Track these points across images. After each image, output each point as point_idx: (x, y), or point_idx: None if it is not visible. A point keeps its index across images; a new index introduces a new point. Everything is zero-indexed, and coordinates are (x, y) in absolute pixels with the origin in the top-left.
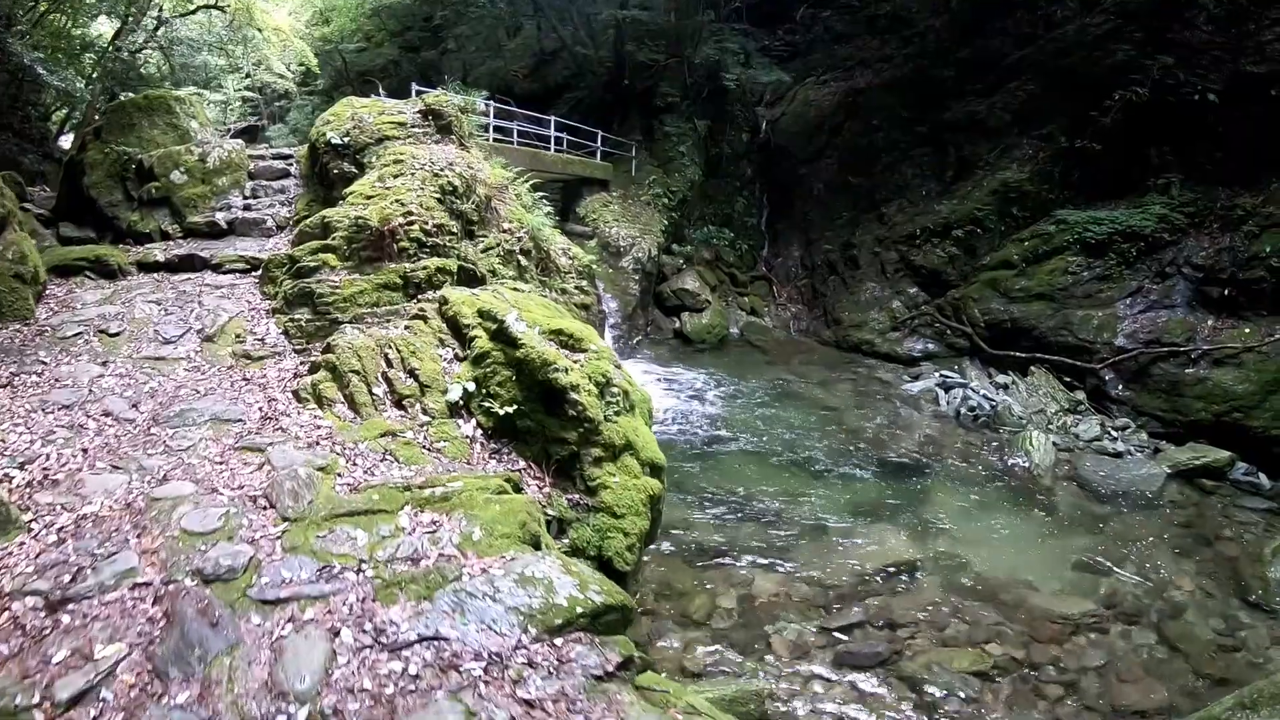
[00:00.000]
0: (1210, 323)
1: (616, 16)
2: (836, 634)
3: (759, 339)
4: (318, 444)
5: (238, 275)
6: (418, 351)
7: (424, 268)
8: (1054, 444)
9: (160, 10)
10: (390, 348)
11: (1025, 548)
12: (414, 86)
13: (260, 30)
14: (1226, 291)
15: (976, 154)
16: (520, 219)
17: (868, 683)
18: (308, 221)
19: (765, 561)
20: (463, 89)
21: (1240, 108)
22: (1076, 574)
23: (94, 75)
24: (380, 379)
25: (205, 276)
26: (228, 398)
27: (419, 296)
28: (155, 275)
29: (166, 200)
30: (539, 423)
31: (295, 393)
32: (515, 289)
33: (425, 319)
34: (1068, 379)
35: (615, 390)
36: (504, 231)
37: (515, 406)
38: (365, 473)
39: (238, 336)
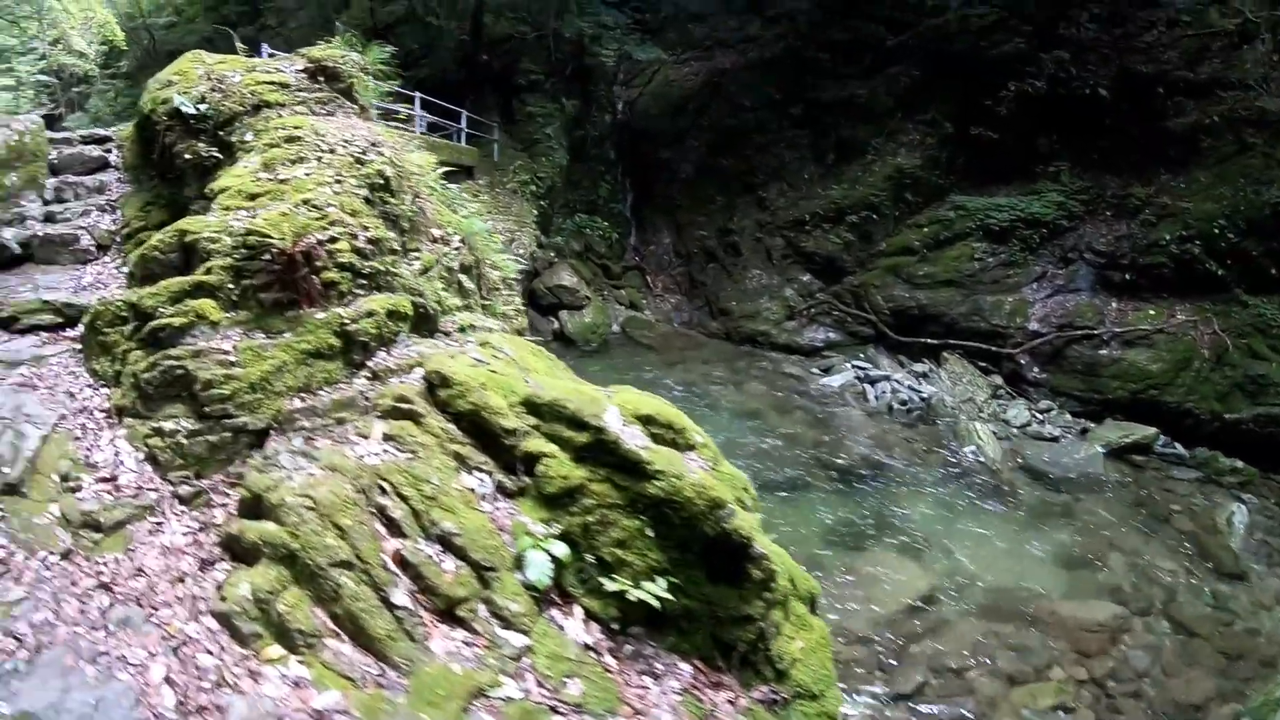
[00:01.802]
0: (1115, 306)
1: None
2: (911, 702)
3: (643, 335)
4: None
5: (45, 338)
6: (440, 496)
7: (369, 314)
8: (993, 432)
9: None
10: (385, 491)
11: (1015, 551)
12: (265, 49)
13: (59, 1)
14: (1128, 276)
15: (859, 137)
16: (451, 222)
17: None
18: (156, 240)
19: None
20: (358, 40)
21: (1129, 102)
22: (1074, 573)
23: None
24: (393, 565)
25: None
26: (82, 653)
27: (368, 364)
28: None
29: None
30: (702, 598)
31: (222, 616)
32: (491, 331)
33: (416, 417)
34: (982, 364)
35: (749, 500)
36: (437, 241)
37: (665, 579)
38: None
39: (65, 478)
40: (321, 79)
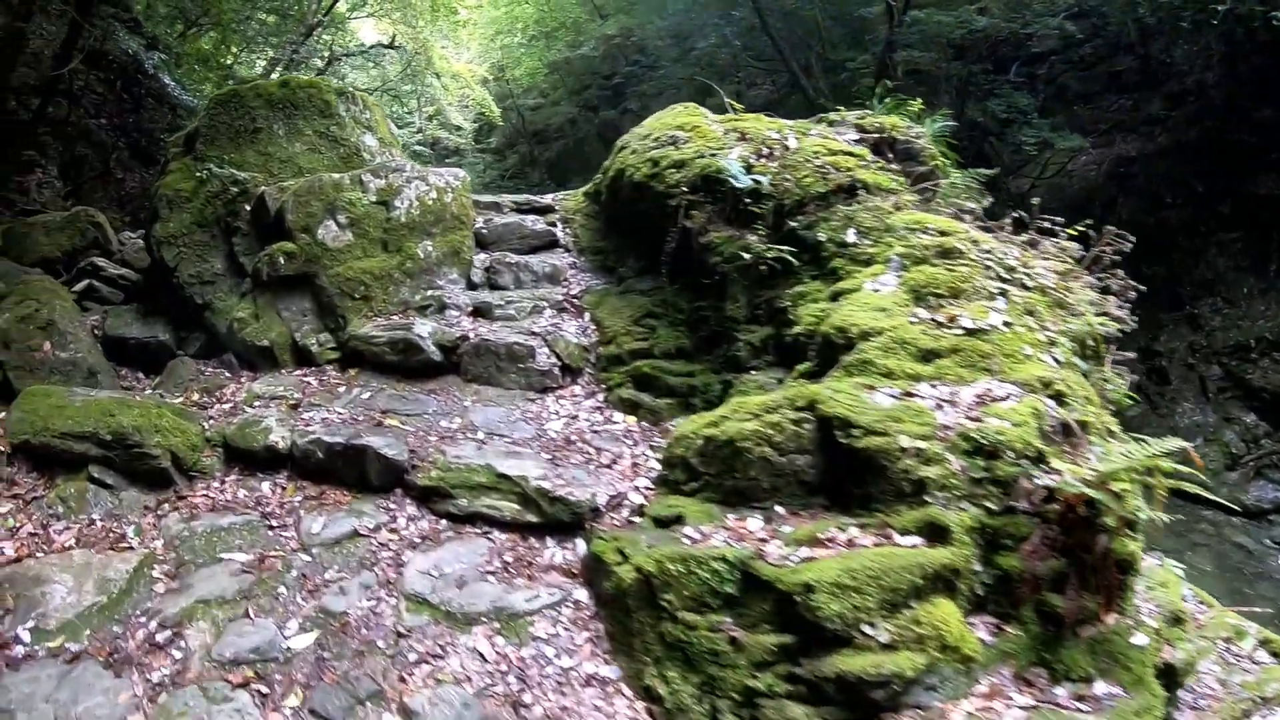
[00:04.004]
0: None
1: (886, 61)
2: None
3: None
4: None
5: (503, 551)
6: None
7: (1175, 619)
8: None
9: (330, 48)
10: None
11: None
12: (729, 103)
13: (439, 76)
14: None
15: None
16: None
17: None
18: (763, 425)
19: None
20: (912, 110)
21: None
22: None
23: None
24: None
25: (402, 532)
26: None
27: None
28: (264, 499)
29: (308, 281)
30: None
31: None
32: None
33: None
34: None
35: None
36: None
37: None
38: None
39: None
40: (889, 155)
